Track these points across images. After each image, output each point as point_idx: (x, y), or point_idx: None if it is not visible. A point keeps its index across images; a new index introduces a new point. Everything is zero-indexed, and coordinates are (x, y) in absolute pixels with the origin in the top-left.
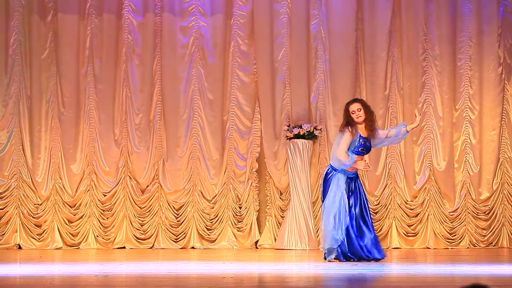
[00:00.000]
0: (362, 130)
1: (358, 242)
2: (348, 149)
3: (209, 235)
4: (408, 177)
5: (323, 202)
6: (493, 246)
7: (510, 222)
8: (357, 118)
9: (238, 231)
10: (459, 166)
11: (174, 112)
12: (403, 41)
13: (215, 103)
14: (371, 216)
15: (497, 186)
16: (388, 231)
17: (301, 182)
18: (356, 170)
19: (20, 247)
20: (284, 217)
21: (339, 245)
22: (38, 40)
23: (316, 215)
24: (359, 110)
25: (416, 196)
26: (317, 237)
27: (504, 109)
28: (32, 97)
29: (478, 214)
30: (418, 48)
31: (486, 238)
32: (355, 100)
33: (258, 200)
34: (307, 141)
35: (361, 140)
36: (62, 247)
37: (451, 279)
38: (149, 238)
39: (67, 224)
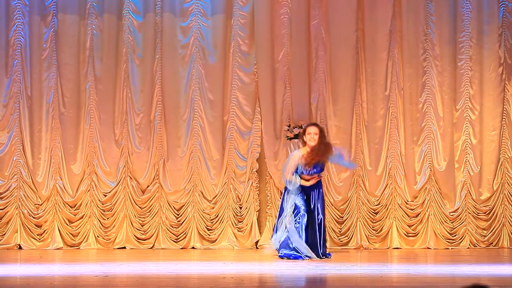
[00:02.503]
0: (305, 156)
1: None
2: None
3: (209, 235)
4: (409, 177)
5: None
6: (494, 246)
7: (510, 222)
8: (309, 140)
9: (238, 231)
10: (459, 166)
11: (175, 112)
12: (404, 41)
13: (216, 103)
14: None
15: (498, 186)
16: (388, 231)
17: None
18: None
19: (20, 247)
20: None
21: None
22: (38, 40)
23: None
24: (315, 134)
25: (417, 196)
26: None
27: (504, 109)
28: (32, 97)
29: (479, 214)
30: (419, 48)
31: (486, 238)
32: (315, 124)
33: (259, 200)
34: None
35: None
36: (62, 247)
37: (451, 280)
38: (149, 238)
39: (67, 224)
